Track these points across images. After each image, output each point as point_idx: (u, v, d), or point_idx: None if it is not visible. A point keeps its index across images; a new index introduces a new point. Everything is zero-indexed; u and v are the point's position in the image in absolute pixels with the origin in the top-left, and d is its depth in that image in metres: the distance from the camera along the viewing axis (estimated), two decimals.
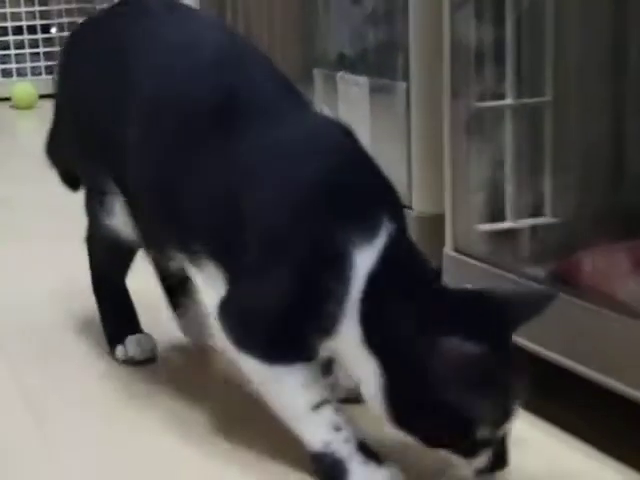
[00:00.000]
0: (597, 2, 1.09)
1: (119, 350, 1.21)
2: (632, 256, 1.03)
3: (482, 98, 1.16)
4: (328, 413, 0.89)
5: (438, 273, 0.99)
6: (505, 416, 0.85)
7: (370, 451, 0.90)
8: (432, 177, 1.24)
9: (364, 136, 1.19)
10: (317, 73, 1.52)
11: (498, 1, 1.13)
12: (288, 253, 0.89)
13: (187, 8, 1.22)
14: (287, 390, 0.91)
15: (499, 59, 1.14)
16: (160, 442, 1.01)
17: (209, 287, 0.97)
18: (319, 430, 0.89)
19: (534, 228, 1.16)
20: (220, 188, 0.95)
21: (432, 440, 0.87)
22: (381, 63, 1.37)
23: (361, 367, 0.88)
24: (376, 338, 0.87)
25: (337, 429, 0.89)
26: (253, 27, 1.90)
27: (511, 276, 1.06)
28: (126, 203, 1.11)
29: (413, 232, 0.97)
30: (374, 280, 0.87)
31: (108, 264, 1.24)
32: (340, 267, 0.87)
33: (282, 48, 1.74)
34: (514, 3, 1.11)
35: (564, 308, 0.96)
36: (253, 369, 0.92)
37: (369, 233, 0.87)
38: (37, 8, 3.20)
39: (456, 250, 1.17)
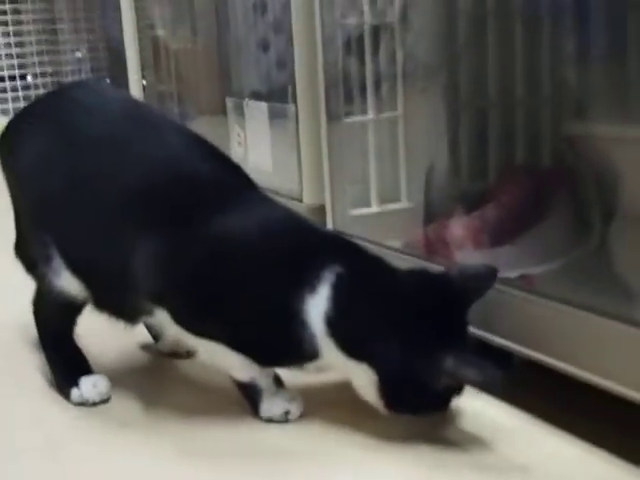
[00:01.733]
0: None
1: (74, 393, 1.14)
2: (465, 227, 1.23)
3: (350, 114, 1.38)
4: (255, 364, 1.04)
5: (393, 270, 1.03)
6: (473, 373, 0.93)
7: (281, 383, 1.08)
8: (316, 176, 1.43)
9: (266, 147, 1.46)
10: (229, 101, 1.72)
11: (359, 43, 1.37)
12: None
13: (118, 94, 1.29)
14: (229, 358, 1.04)
15: (362, 85, 1.36)
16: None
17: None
18: (249, 371, 1.05)
19: (393, 211, 1.38)
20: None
21: (420, 412, 1.00)
22: (277, 92, 1.57)
23: (354, 373, 1.00)
24: (356, 350, 0.98)
25: (261, 370, 1.05)
26: (182, 70, 2.15)
27: (376, 247, 1.20)
28: (73, 268, 1.10)
29: None
30: (330, 314, 0.97)
31: (57, 320, 1.19)
32: (297, 316, 0.98)
33: (204, 85, 2.01)
34: (372, 44, 1.34)
35: None
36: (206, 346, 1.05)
37: (314, 283, 0.97)
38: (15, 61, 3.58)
39: (336, 230, 1.37)
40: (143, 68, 2.40)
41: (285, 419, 1.07)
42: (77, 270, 1.11)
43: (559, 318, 0.98)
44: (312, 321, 0.99)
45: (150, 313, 1.07)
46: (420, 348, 0.95)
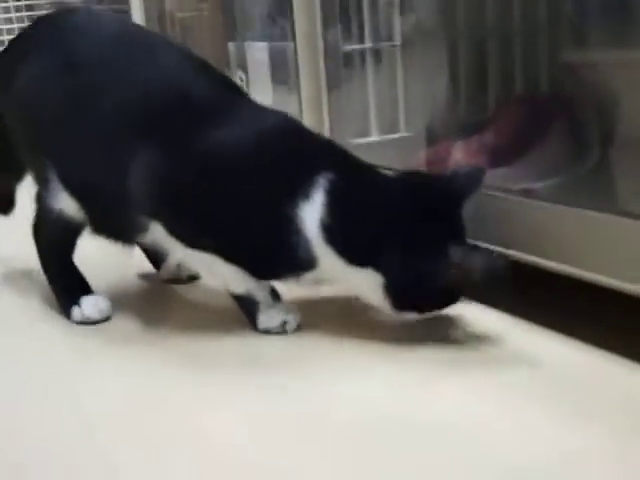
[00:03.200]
0: None
1: (75, 311, 1.15)
2: (464, 150, 1.24)
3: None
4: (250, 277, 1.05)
5: (387, 175, 1.04)
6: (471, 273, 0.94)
7: (277, 296, 1.08)
8: (317, 107, 1.42)
9: (267, 84, 1.45)
10: (231, 45, 1.73)
11: None
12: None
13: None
14: (225, 270, 1.04)
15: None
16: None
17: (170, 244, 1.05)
18: (245, 283, 1.06)
19: (393, 140, 1.38)
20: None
21: (426, 310, 1.01)
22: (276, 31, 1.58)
23: (355, 280, 1.00)
24: (358, 256, 0.98)
25: (257, 282, 1.06)
26: (187, 21, 2.14)
27: None
28: (71, 189, 1.11)
29: None
30: (327, 221, 0.97)
31: (57, 242, 1.19)
32: (291, 224, 0.98)
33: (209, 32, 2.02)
34: None
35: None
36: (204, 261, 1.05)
37: (308, 190, 0.97)
38: None
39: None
40: None
41: (283, 330, 1.07)
42: (74, 191, 1.12)
43: (556, 220, 0.98)
44: (307, 228, 0.98)
45: (146, 229, 1.06)
46: (424, 244, 0.96)
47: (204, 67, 1.10)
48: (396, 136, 1.36)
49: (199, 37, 2.08)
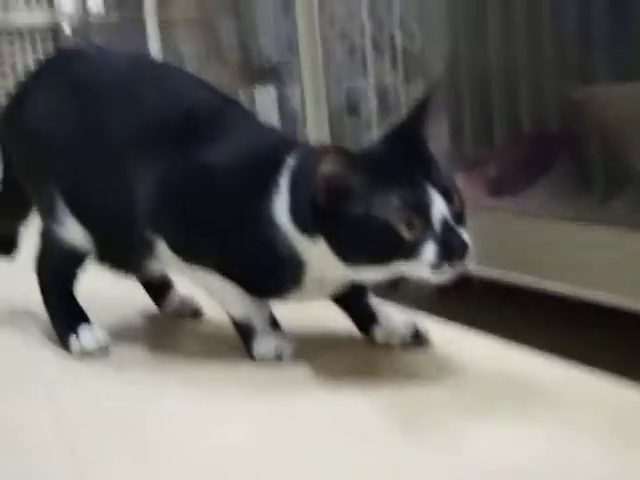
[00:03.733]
0: None
1: (74, 342, 1.15)
2: (464, 178, 1.19)
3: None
4: (250, 300, 1.05)
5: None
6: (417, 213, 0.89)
7: (277, 324, 1.08)
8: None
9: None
10: (241, 92, 1.80)
11: None
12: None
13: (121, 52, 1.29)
14: (224, 289, 1.05)
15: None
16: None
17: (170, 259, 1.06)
18: (243, 307, 1.06)
19: None
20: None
21: (377, 259, 0.91)
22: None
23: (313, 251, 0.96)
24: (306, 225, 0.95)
25: (256, 309, 1.06)
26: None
27: None
28: (78, 215, 1.13)
29: None
30: (291, 205, 0.96)
31: (60, 272, 1.20)
32: (269, 222, 0.97)
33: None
34: None
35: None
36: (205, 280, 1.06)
37: (275, 187, 0.97)
38: None
39: None
40: None
41: (278, 358, 1.06)
42: (82, 216, 1.13)
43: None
44: (280, 219, 0.97)
45: (151, 249, 1.07)
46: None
47: (208, 87, 1.14)
48: None
49: None
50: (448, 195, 0.91)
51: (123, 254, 1.13)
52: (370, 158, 0.94)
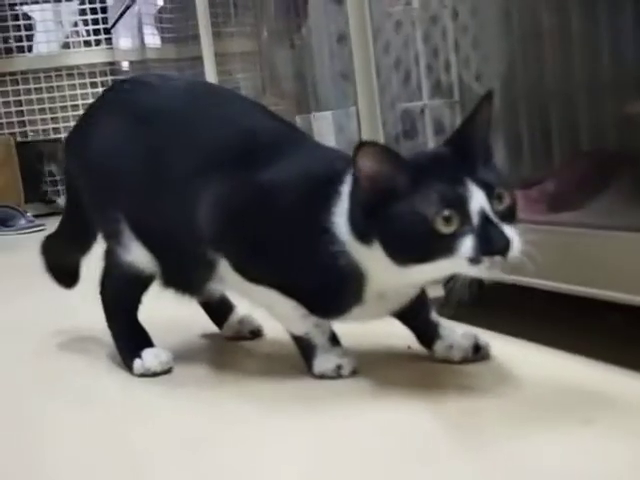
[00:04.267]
0: None
1: (137, 364, 1.16)
2: (522, 197, 1.25)
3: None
4: (311, 317, 1.05)
5: None
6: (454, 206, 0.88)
7: (337, 341, 1.08)
8: None
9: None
10: (298, 119, 1.83)
11: None
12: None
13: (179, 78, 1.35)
14: (285, 307, 1.06)
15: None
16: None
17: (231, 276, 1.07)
18: (304, 325, 1.06)
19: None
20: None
21: (421, 256, 0.91)
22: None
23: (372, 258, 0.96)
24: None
25: (316, 326, 1.06)
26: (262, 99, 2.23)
27: None
28: (143, 239, 1.15)
29: None
30: (347, 217, 0.96)
31: (124, 295, 1.22)
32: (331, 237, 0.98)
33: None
34: None
35: None
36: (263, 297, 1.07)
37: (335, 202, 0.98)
38: None
39: None
40: None
41: (338, 375, 1.06)
42: (147, 239, 1.15)
43: None
44: (340, 229, 0.98)
45: (214, 270, 1.08)
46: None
47: (267, 112, 1.17)
48: None
49: None
50: (491, 191, 0.90)
51: (186, 276, 1.15)
52: (412, 156, 0.97)
